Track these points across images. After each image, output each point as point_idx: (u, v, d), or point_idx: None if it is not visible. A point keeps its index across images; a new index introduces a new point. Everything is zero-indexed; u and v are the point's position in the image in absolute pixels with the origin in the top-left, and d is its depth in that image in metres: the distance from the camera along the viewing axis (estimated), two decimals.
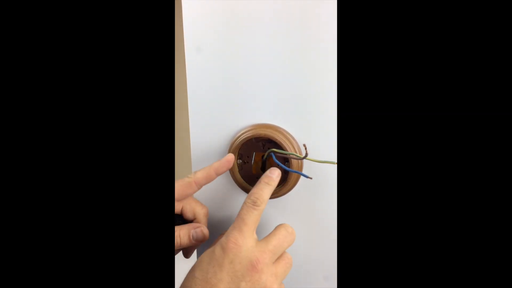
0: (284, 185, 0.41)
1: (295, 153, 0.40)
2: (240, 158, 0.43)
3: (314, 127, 0.40)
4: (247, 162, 0.43)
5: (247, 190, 0.43)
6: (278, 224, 0.44)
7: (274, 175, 0.39)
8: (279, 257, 0.36)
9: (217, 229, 0.46)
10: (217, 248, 0.35)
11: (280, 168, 0.41)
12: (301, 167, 0.41)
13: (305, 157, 0.36)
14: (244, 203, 0.37)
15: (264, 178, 0.39)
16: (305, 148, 0.36)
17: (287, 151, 0.40)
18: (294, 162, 0.40)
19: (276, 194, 0.42)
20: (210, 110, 0.43)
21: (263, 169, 0.43)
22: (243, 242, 0.34)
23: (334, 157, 0.39)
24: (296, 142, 0.41)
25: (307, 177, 0.37)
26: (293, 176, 0.41)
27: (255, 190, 0.38)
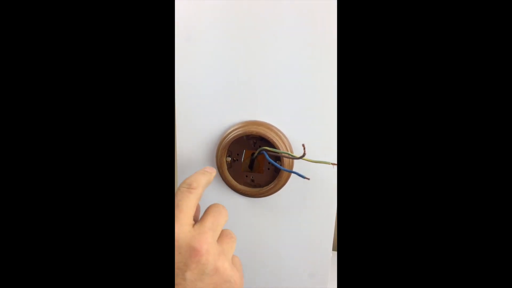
0: (274, 184, 0.41)
1: (288, 152, 0.40)
2: (229, 156, 0.42)
3: (307, 126, 0.40)
4: (237, 160, 0.42)
5: (235, 189, 0.42)
6: (265, 223, 0.44)
7: (209, 169, 0.37)
8: (221, 235, 0.34)
9: None
10: None
11: (273, 166, 0.41)
12: (291, 166, 0.41)
13: (301, 157, 0.36)
14: (178, 189, 0.34)
15: (199, 170, 0.37)
16: (304, 148, 0.36)
17: (279, 149, 0.40)
18: (285, 161, 0.40)
19: (265, 193, 0.42)
20: (199, 105, 0.41)
21: (251, 167, 0.42)
22: (179, 230, 0.31)
23: (328, 157, 0.40)
24: (288, 141, 0.41)
25: (304, 177, 0.37)
26: (283, 175, 0.41)
27: (191, 176, 0.35)
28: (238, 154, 0.42)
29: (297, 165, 0.41)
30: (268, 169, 0.42)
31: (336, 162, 0.37)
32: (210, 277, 0.31)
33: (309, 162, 0.38)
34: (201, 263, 0.30)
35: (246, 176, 0.42)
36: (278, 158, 0.40)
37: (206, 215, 0.34)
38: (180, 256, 0.30)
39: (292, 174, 0.41)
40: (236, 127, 0.41)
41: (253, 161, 0.42)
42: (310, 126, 0.40)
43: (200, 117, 0.42)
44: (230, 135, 0.41)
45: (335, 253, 0.65)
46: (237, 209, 0.44)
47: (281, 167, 0.39)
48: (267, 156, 0.39)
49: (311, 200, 0.42)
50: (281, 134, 0.41)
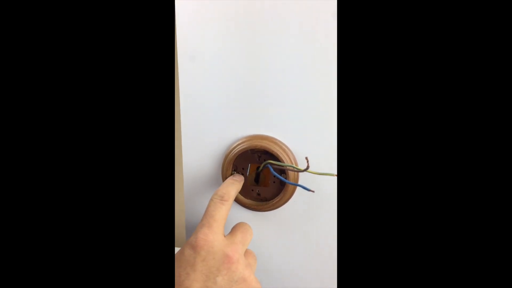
0: (280, 198, 0.41)
1: (293, 165, 0.40)
2: (235, 170, 0.42)
3: (311, 139, 0.40)
4: (242, 174, 0.42)
5: (242, 203, 0.42)
6: (273, 236, 0.44)
7: (237, 178, 0.40)
8: (246, 252, 0.36)
9: None
10: (186, 249, 0.33)
11: (279, 179, 0.41)
12: (296, 179, 0.41)
13: (305, 170, 0.36)
14: (211, 199, 0.36)
15: (228, 179, 0.40)
16: (307, 161, 0.36)
17: (283, 162, 0.40)
18: (290, 174, 0.40)
19: (272, 206, 0.42)
20: (204, 121, 0.42)
21: (257, 180, 0.42)
22: (214, 237, 0.33)
23: (332, 169, 0.39)
24: (293, 154, 0.41)
25: (308, 190, 0.37)
26: (289, 188, 0.41)
27: (222, 187, 0.38)
28: (243, 168, 0.42)
29: (302, 178, 0.41)
30: (274, 182, 0.42)
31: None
32: (238, 285, 0.33)
33: (315, 175, 0.38)
34: (232, 270, 0.32)
35: (252, 190, 0.42)
36: (283, 171, 0.40)
37: (235, 231, 0.36)
38: (214, 261, 0.32)
39: (298, 187, 0.41)
40: (240, 141, 0.41)
41: (259, 175, 0.42)
42: (314, 138, 0.40)
43: (205, 133, 0.42)
44: (235, 149, 0.41)
45: None
46: None
47: (286, 180, 0.39)
48: (271, 170, 0.39)
49: (318, 212, 0.42)
50: (285, 148, 0.41)
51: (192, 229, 0.45)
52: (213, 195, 0.37)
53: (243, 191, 0.42)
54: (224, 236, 0.35)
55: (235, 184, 0.39)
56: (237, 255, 0.33)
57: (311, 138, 0.40)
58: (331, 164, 0.40)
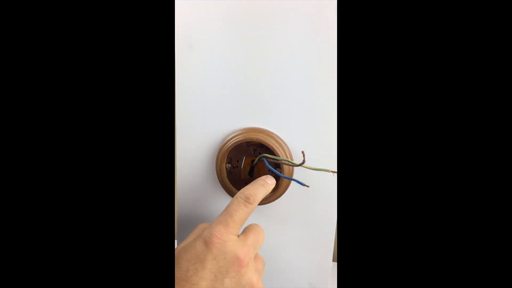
0: (274, 192, 0.41)
1: (288, 159, 0.39)
2: (229, 163, 0.41)
3: (308, 134, 0.40)
4: (237, 167, 0.42)
5: (234, 195, 0.42)
6: (266, 231, 0.44)
7: (269, 181, 0.38)
8: (255, 256, 0.35)
9: None
10: (198, 243, 0.33)
11: (273, 173, 0.41)
12: (291, 174, 0.41)
13: (301, 164, 0.36)
14: (235, 197, 0.35)
15: (259, 180, 0.38)
16: (303, 155, 0.35)
17: (279, 156, 0.39)
18: (285, 168, 0.40)
19: (265, 200, 0.41)
20: (199, 112, 0.41)
21: (251, 174, 0.42)
22: (228, 237, 0.33)
23: (328, 165, 0.39)
24: (288, 148, 0.41)
25: (303, 185, 0.36)
26: (283, 182, 0.40)
27: (250, 187, 0.36)
28: (238, 161, 0.41)
29: (297, 173, 0.41)
30: None
31: (336, 170, 0.37)
32: None
33: (309, 170, 0.38)
34: (240, 273, 0.32)
35: (246, 183, 0.42)
36: (278, 165, 0.40)
37: (248, 232, 0.35)
38: (224, 262, 0.32)
39: (292, 182, 0.41)
40: (236, 133, 0.41)
41: (253, 168, 0.41)
42: (310, 133, 0.40)
43: (200, 124, 0.42)
44: (230, 141, 0.41)
45: (336, 263, 0.64)
46: None
47: (281, 174, 0.39)
48: (266, 163, 0.39)
49: (311, 208, 0.42)
50: (281, 141, 0.40)
51: (184, 222, 0.45)
52: (239, 192, 0.36)
53: (237, 184, 0.42)
54: (238, 237, 0.34)
55: (265, 187, 0.37)
56: (248, 259, 0.33)
57: (308, 133, 0.40)
58: (328, 160, 0.40)
